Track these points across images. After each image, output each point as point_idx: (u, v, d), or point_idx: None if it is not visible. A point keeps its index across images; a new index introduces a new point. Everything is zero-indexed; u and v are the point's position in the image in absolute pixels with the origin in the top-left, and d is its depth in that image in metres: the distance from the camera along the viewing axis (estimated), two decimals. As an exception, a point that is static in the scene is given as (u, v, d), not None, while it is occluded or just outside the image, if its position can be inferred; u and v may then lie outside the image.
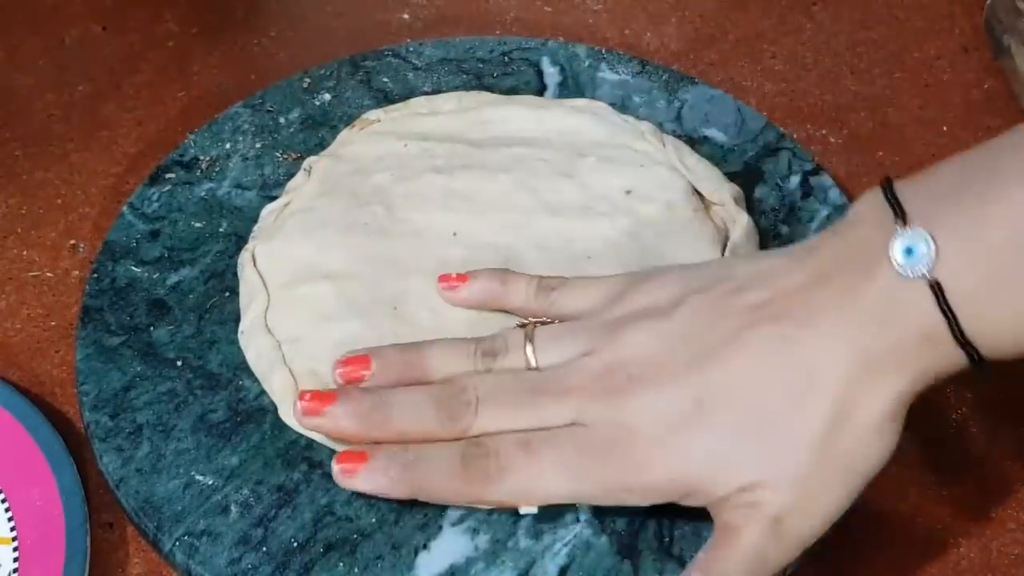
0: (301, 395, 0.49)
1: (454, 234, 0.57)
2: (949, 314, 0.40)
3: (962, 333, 0.40)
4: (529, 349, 0.49)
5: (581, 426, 0.46)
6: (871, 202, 0.43)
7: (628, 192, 0.59)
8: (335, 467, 0.48)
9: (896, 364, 0.41)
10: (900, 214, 0.41)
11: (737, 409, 0.44)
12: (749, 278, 0.46)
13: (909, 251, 0.40)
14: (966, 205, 0.40)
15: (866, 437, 0.42)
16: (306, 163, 0.62)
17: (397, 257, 0.56)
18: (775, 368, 0.43)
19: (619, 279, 0.50)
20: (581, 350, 0.48)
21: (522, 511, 0.47)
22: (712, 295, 0.46)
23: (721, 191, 0.59)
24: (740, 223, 0.58)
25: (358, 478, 0.47)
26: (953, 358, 0.41)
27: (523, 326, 0.50)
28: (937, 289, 0.40)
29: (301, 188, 0.60)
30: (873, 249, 0.41)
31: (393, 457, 0.47)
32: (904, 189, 0.42)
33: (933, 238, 0.40)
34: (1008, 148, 0.42)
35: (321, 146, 0.63)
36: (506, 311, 0.53)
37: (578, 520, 0.49)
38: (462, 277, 0.54)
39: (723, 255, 0.56)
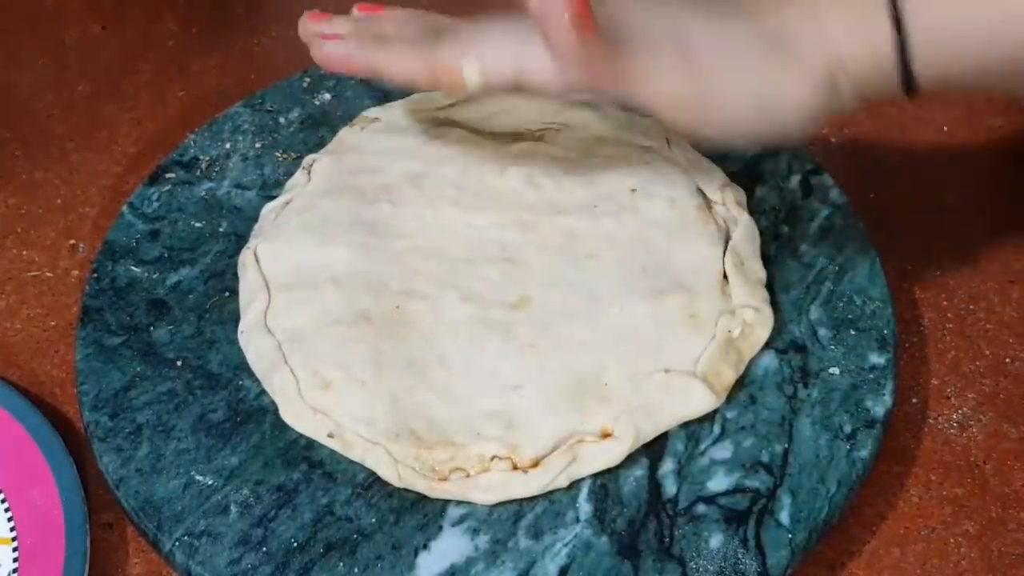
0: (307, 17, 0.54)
1: (459, 232, 0.57)
2: None
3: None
4: None
5: None
6: None
7: (633, 190, 0.59)
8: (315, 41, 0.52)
9: (833, 21, 0.46)
10: None
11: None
12: None
13: None
14: None
15: (785, 75, 0.47)
16: (305, 161, 0.62)
17: (401, 256, 0.56)
18: None
19: None
20: None
21: (465, 73, 0.48)
22: None
23: (723, 191, 0.59)
24: (741, 223, 0.58)
25: (331, 42, 0.52)
26: (883, 31, 0.45)
27: None
28: None
29: (303, 187, 0.60)
30: None
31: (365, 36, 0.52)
32: None
33: None
34: None
35: (321, 146, 0.63)
36: None
37: (578, 520, 0.49)
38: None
39: (724, 255, 0.56)
